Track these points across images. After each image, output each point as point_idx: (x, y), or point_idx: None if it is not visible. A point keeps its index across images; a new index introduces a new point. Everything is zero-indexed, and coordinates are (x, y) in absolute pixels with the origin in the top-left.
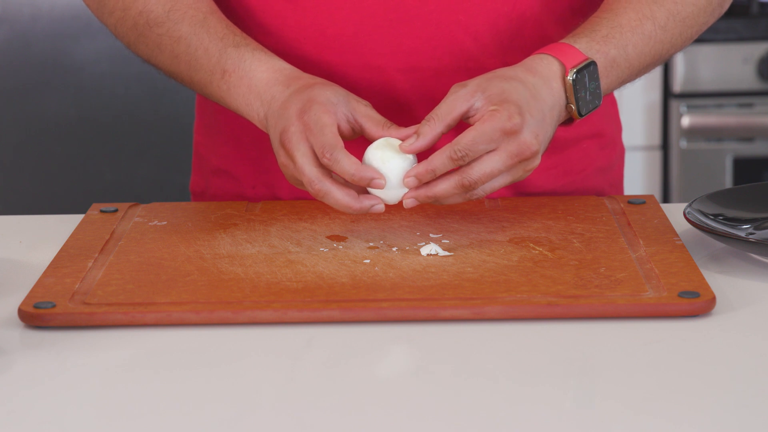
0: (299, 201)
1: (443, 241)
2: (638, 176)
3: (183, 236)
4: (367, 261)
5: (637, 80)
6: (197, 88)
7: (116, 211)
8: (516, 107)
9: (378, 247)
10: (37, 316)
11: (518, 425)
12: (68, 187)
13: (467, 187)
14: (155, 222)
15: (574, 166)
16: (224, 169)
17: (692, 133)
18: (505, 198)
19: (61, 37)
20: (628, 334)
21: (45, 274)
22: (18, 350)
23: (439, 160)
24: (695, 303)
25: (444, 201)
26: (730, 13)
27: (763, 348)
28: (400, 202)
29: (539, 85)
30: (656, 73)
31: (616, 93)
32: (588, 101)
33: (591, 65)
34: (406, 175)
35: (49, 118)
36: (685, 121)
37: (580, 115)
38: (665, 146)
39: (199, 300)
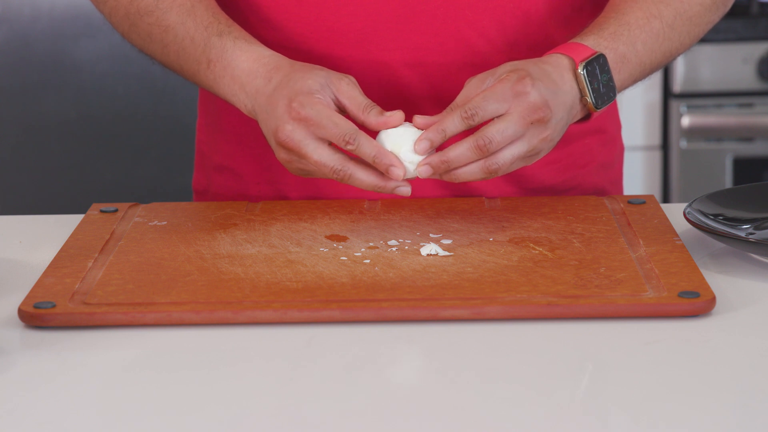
0: (299, 201)
1: (443, 241)
2: (638, 176)
3: (183, 236)
4: (367, 261)
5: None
6: (188, 78)
7: (116, 211)
8: (525, 72)
9: (378, 247)
10: (37, 316)
11: (518, 425)
12: (68, 187)
13: (483, 149)
14: (155, 222)
15: (577, 161)
16: (227, 166)
17: (692, 133)
18: (505, 198)
19: (61, 37)
20: (628, 334)
21: (45, 274)
22: (18, 350)
23: (449, 120)
24: (695, 303)
25: (462, 174)
26: (730, 13)
27: (763, 348)
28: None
29: (550, 70)
30: (656, 73)
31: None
32: (603, 93)
33: (600, 58)
34: (418, 139)
35: (49, 118)
36: (685, 121)
37: (596, 107)
38: (665, 146)
39: (199, 300)
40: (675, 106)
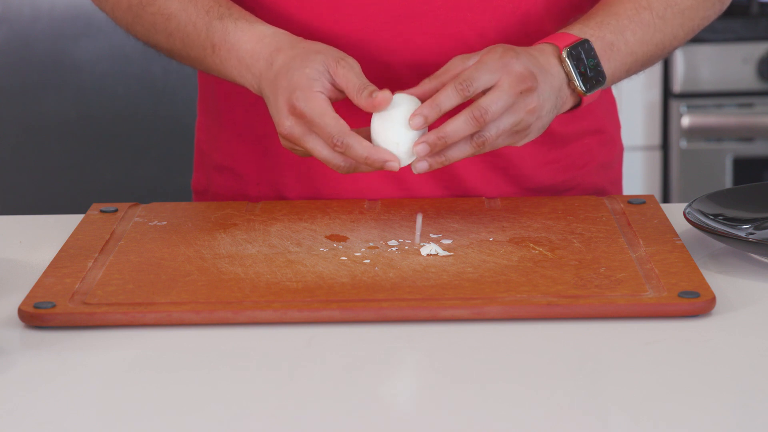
0: (299, 201)
1: (443, 241)
2: (638, 176)
3: (183, 236)
4: (367, 261)
5: (637, 77)
6: (196, 65)
7: (116, 211)
8: (509, 47)
9: (378, 247)
10: (37, 316)
11: (518, 425)
12: (68, 187)
13: (480, 119)
14: (155, 222)
15: (576, 161)
16: (227, 166)
17: (692, 133)
18: (505, 198)
19: (61, 37)
20: (628, 334)
21: (45, 274)
22: (18, 350)
23: (443, 94)
24: (695, 303)
25: (452, 153)
26: (730, 13)
27: (763, 348)
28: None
29: (536, 54)
30: (656, 73)
31: (615, 93)
32: (590, 77)
33: (585, 43)
34: (412, 114)
35: (49, 117)
36: (685, 121)
37: (586, 91)
38: (665, 146)
39: (199, 300)
40: (675, 106)
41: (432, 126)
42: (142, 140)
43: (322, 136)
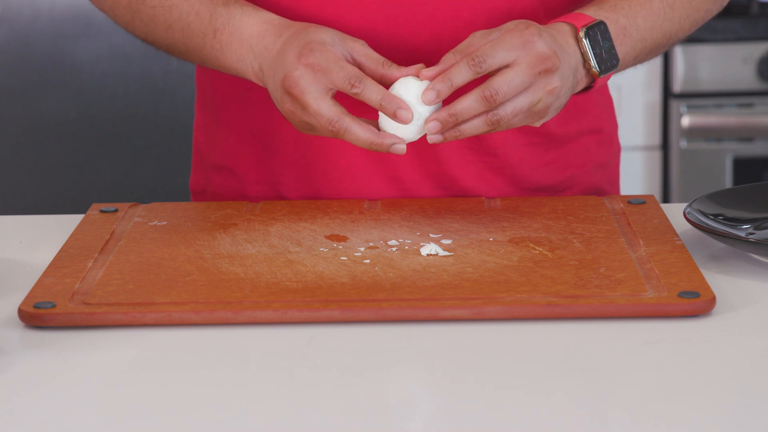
0: (299, 201)
1: (443, 241)
2: (638, 176)
3: (183, 236)
4: (367, 261)
5: (637, 77)
6: (193, 56)
7: (116, 211)
8: (531, 23)
9: (378, 247)
10: (37, 316)
11: (518, 425)
12: (68, 187)
13: (490, 99)
14: (155, 222)
15: (574, 161)
16: (226, 166)
17: (692, 133)
18: (505, 198)
19: (61, 37)
20: (628, 334)
21: (45, 274)
22: (18, 350)
23: (456, 69)
24: (695, 303)
25: (466, 129)
26: (730, 13)
27: (763, 348)
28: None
29: (555, 33)
30: (656, 73)
31: (615, 93)
32: (605, 59)
33: (601, 24)
34: (425, 89)
35: (49, 117)
36: (685, 121)
37: (600, 73)
38: (665, 146)
39: (199, 300)
40: (675, 106)
41: (446, 101)
42: (142, 140)
43: (337, 81)
